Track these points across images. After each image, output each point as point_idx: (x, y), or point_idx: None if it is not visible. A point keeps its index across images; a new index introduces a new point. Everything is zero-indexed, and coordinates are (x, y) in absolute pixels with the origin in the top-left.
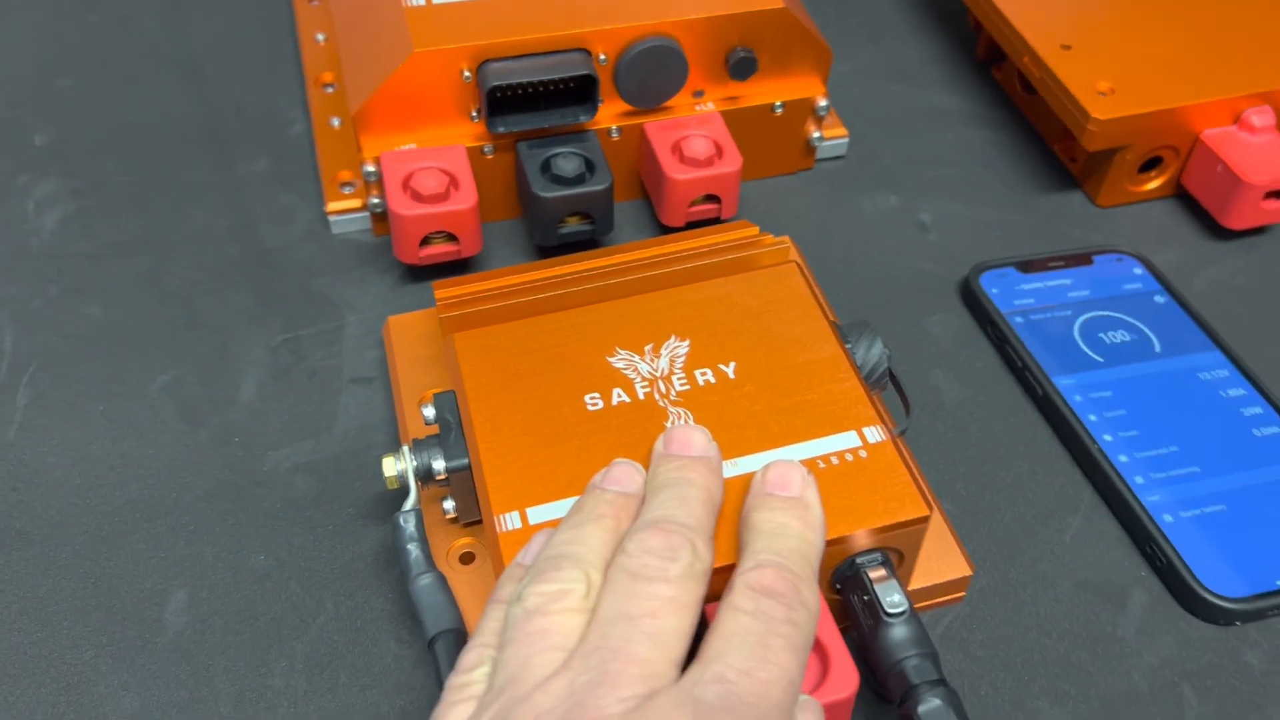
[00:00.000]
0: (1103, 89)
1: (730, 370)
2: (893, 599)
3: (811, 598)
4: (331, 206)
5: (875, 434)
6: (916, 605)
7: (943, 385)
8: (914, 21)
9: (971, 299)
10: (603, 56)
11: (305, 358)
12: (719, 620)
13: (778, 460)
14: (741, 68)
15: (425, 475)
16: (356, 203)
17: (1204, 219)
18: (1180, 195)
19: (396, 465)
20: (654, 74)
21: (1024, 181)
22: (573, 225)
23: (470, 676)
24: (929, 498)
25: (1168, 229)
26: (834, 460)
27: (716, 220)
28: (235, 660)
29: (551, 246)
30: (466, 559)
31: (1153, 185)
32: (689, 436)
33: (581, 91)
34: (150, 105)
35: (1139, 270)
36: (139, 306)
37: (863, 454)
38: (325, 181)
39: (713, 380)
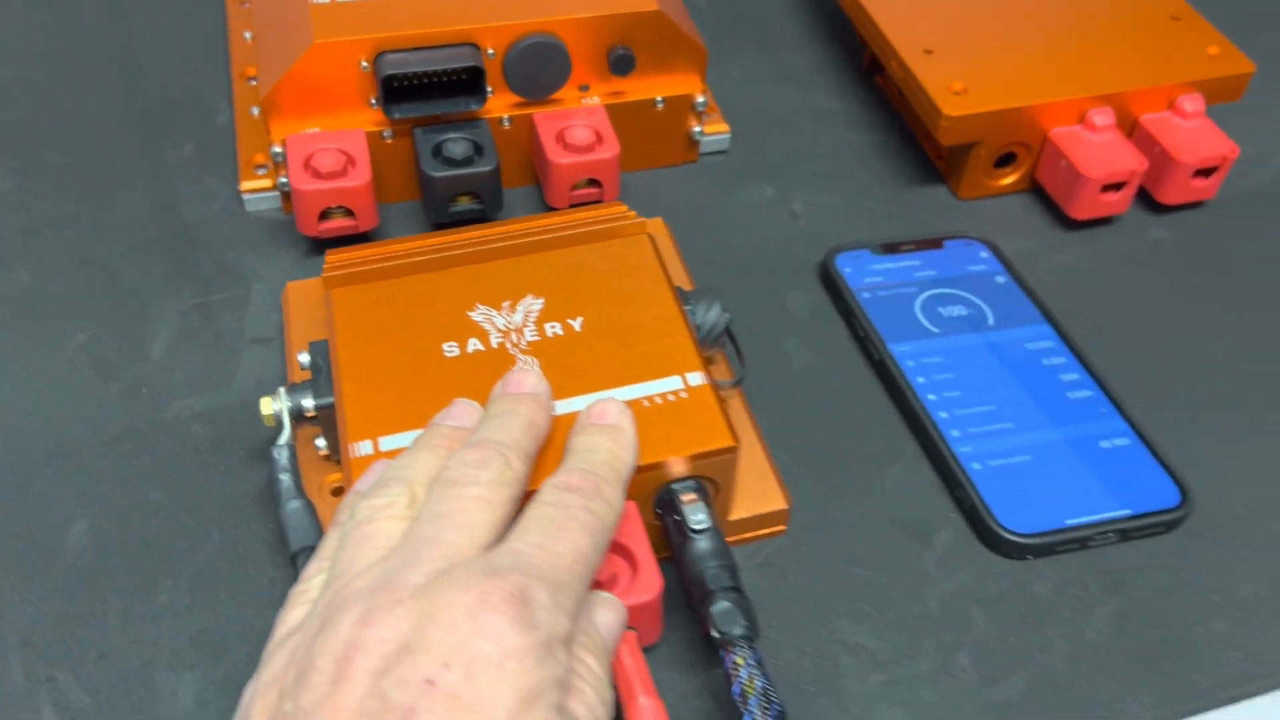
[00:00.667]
0: (957, 89)
1: (577, 324)
2: (698, 517)
3: (614, 496)
4: (245, 185)
5: (697, 379)
6: (740, 535)
7: (793, 352)
8: (807, 33)
9: (827, 277)
10: (491, 51)
11: (213, 320)
12: (523, 512)
13: (600, 399)
14: (620, 64)
15: (297, 414)
16: (268, 183)
17: (1055, 211)
18: (1035, 189)
19: (273, 405)
20: (539, 68)
21: (894, 176)
22: (464, 204)
23: (309, 584)
24: (734, 431)
25: (1021, 219)
26: (658, 400)
27: (598, 202)
28: (127, 581)
29: (445, 223)
30: (337, 492)
31: (1008, 180)
32: (522, 377)
33: (472, 82)
34: (90, 95)
35: (985, 254)
36: (64, 273)
37: (683, 395)
38: (241, 164)
39: (560, 332)
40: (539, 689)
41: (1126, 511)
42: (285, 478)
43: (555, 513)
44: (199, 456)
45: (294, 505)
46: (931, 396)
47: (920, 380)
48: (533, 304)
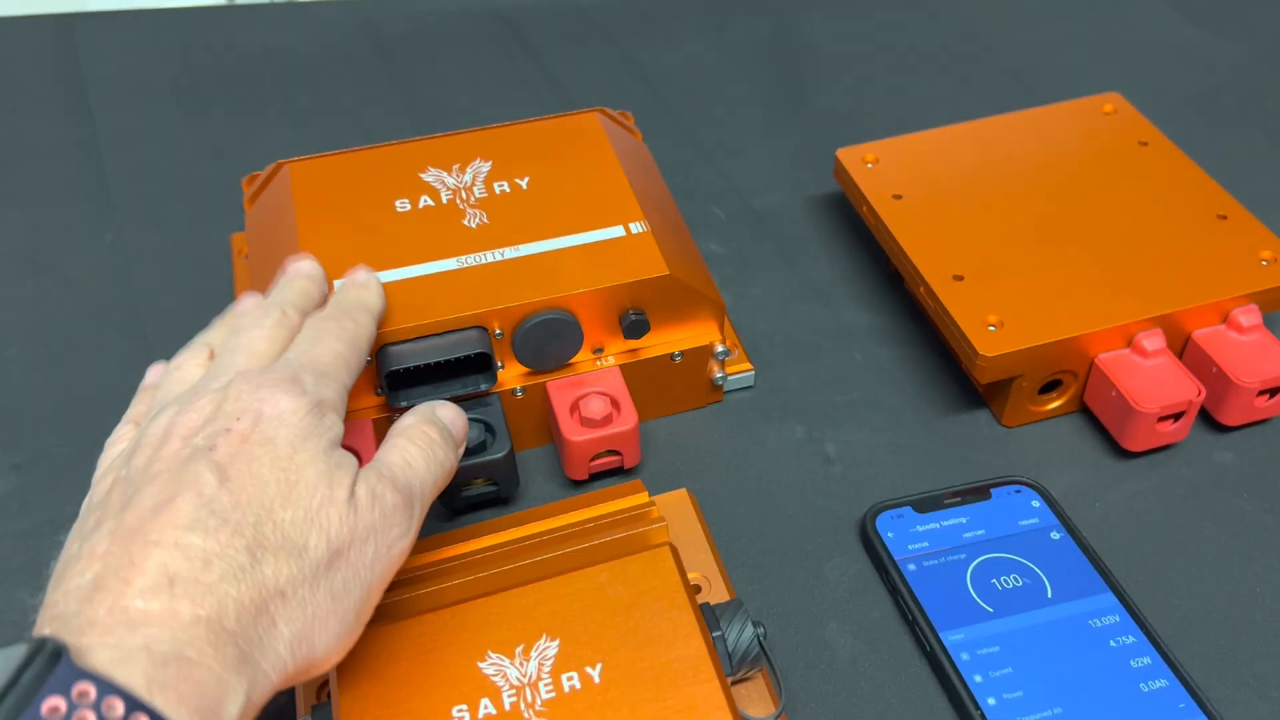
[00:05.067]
0: (992, 322)
1: (596, 674)
2: None
3: (364, 320)
4: None
5: None
6: None
7: (836, 641)
8: (829, 241)
9: (868, 542)
10: (499, 331)
11: None
12: None
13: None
14: (634, 329)
15: None
16: None
17: (1107, 436)
18: (1085, 409)
19: None
20: (549, 343)
21: (931, 402)
22: (478, 487)
23: (124, 428)
24: None
25: (1072, 448)
26: None
27: (619, 469)
28: None
29: (459, 508)
30: None
31: (1054, 405)
32: (300, 259)
33: (481, 361)
34: (93, 371)
35: (1037, 503)
36: None
37: None
38: None
39: (579, 687)
40: (311, 429)
41: None
42: None
43: (312, 332)
44: None
45: None
46: (991, 700)
47: (977, 679)
48: (547, 648)
